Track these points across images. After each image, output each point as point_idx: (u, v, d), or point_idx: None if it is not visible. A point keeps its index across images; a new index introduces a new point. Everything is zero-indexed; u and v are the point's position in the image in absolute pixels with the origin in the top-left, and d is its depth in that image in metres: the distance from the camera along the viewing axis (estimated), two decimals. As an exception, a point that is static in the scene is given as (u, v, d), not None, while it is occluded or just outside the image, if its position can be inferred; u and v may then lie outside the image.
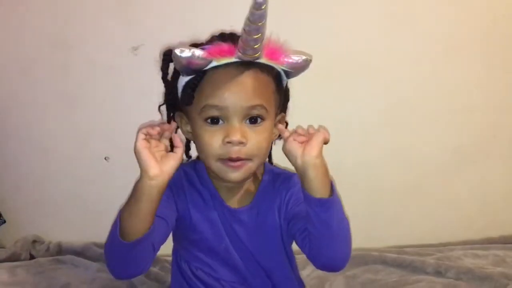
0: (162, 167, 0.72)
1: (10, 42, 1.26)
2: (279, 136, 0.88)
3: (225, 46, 0.75)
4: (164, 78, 0.86)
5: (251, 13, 0.64)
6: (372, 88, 1.26)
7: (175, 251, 0.96)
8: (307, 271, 1.21)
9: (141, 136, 0.73)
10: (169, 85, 0.86)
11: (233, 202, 0.88)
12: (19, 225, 1.42)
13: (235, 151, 0.77)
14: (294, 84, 1.22)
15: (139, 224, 0.72)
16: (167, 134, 0.79)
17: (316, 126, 1.23)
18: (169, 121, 0.90)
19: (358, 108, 1.28)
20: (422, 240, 1.39)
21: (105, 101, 1.28)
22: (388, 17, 1.21)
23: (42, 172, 1.37)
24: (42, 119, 1.32)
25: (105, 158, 1.34)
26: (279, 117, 0.88)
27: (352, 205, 1.32)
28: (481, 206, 1.39)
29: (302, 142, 0.77)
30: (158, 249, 0.79)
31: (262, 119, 0.79)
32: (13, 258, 1.26)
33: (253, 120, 0.79)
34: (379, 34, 1.22)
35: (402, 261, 1.21)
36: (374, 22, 1.21)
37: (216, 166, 0.80)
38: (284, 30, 1.17)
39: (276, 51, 0.78)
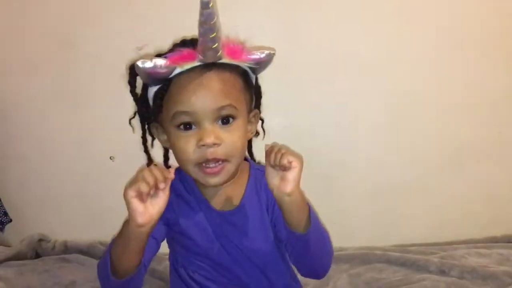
0: (150, 212, 0.72)
1: (16, 40, 1.27)
2: (256, 133, 0.91)
3: (185, 51, 0.76)
4: (132, 91, 0.85)
5: (201, 14, 0.66)
6: (376, 86, 1.26)
7: (171, 256, 0.97)
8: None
9: (131, 193, 0.70)
10: (140, 97, 0.86)
11: (221, 205, 0.89)
12: (25, 224, 1.43)
13: (210, 152, 0.77)
14: (299, 82, 1.24)
15: (130, 263, 0.76)
16: (162, 185, 0.72)
17: (321, 125, 1.28)
18: (144, 134, 0.91)
19: (362, 106, 1.29)
20: (425, 238, 1.38)
21: (110, 100, 1.29)
22: (393, 14, 1.21)
23: (47, 171, 1.38)
24: (48, 118, 1.33)
25: (110, 158, 1.35)
26: (252, 113, 0.88)
27: (356, 203, 1.37)
28: (485, 204, 1.38)
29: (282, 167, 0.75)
30: (148, 266, 0.82)
31: (234, 118, 0.79)
32: (19, 256, 1.27)
33: (225, 120, 0.79)
34: (383, 31, 1.22)
35: (406, 260, 1.22)
36: (379, 19, 1.21)
37: (194, 172, 0.81)
38: (288, 29, 1.20)
39: (236, 50, 0.78)
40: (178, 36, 1.03)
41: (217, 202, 0.89)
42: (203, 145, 0.77)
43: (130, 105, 1.25)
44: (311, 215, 0.78)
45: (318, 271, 0.87)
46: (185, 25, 1.16)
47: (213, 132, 0.77)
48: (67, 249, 1.32)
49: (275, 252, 0.91)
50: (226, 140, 0.78)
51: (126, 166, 1.32)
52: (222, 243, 0.89)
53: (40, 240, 1.35)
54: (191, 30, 0.99)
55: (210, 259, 0.90)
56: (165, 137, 0.86)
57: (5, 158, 1.38)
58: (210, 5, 0.64)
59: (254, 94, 0.89)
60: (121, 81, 1.24)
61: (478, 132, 1.33)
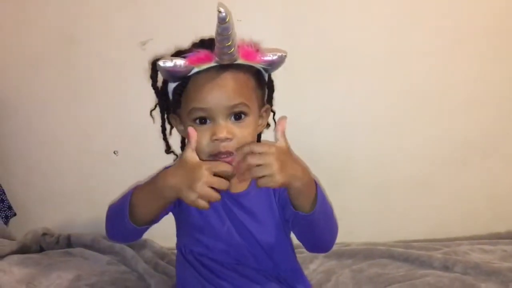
0: None
1: (18, 36, 1.27)
2: (267, 125, 0.98)
3: (203, 53, 0.82)
4: (153, 85, 0.92)
5: (218, 27, 0.72)
6: (380, 82, 1.26)
7: (179, 243, 1.01)
8: (314, 265, 1.23)
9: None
10: (160, 90, 0.93)
11: (232, 188, 0.92)
12: (29, 218, 1.44)
13: (223, 146, 0.83)
14: (302, 77, 1.23)
15: (152, 216, 0.85)
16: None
17: (325, 121, 1.29)
18: (163, 123, 0.98)
19: (366, 102, 1.28)
20: (429, 235, 1.38)
21: (113, 95, 1.29)
22: (396, 10, 1.20)
23: (51, 166, 1.39)
24: (51, 113, 1.33)
25: (114, 152, 1.35)
26: (264, 108, 0.94)
27: (360, 199, 1.37)
28: (488, 201, 1.38)
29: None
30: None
31: (245, 114, 0.86)
32: (23, 250, 1.27)
33: (237, 116, 0.85)
34: (387, 27, 1.22)
35: (409, 256, 1.21)
36: (382, 16, 1.21)
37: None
38: (291, 23, 1.19)
39: (251, 52, 0.84)
40: (182, 31, 1.04)
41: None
42: (216, 140, 0.83)
43: (133, 100, 1.28)
44: (318, 195, 0.81)
45: (323, 247, 0.93)
46: (189, 20, 1.19)
47: (225, 128, 0.83)
48: (71, 243, 1.33)
49: (281, 235, 0.96)
50: (238, 135, 0.84)
51: (129, 161, 1.36)
52: (233, 223, 0.94)
53: (44, 234, 1.35)
54: (196, 25, 1.01)
55: (220, 240, 0.94)
56: (182, 127, 0.92)
57: (10, 153, 1.39)
58: (226, 20, 0.71)
59: (267, 89, 0.96)
60: (125, 77, 1.27)
61: (482, 129, 1.32)
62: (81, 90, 1.30)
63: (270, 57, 0.86)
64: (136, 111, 1.22)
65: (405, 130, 1.32)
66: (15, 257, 1.22)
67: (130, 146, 1.34)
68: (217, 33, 0.74)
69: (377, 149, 1.33)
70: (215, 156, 0.84)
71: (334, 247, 1.25)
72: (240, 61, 0.83)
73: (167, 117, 0.97)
